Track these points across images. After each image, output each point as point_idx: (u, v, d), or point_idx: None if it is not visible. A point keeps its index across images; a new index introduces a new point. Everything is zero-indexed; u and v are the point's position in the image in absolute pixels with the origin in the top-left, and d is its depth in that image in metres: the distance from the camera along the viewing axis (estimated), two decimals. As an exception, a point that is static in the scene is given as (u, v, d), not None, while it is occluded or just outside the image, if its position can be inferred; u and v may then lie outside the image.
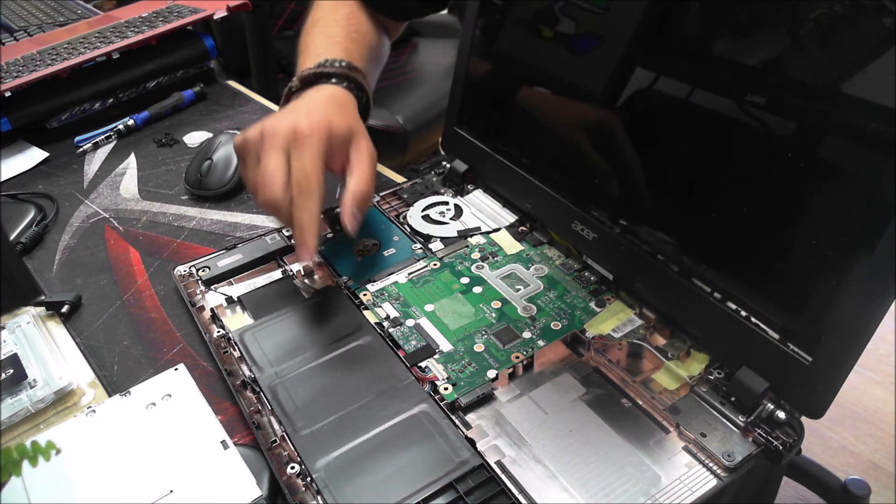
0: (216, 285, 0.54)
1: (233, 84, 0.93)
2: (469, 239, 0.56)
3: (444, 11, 1.50)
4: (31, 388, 0.46)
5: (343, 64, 0.57)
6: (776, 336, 0.39)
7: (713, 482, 0.38)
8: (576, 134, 0.52)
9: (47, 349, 0.49)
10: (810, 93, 0.37)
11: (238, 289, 0.53)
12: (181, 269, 0.55)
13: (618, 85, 0.47)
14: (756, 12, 0.39)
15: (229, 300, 0.52)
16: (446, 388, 0.43)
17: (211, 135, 0.77)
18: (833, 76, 0.35)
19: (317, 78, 0.56)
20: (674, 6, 0.43)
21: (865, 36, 0.34)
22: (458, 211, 0.60)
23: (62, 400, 0.46)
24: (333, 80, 0.56)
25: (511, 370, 0.45)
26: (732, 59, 0.41)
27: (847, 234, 0.36)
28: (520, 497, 0.37)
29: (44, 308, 0.54)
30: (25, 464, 0.32)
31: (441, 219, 0.59)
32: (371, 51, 0.66)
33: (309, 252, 0.47)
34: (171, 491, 0.39)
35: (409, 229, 0.58)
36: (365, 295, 0.51)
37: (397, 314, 0.49)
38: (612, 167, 0.50)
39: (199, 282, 0.54)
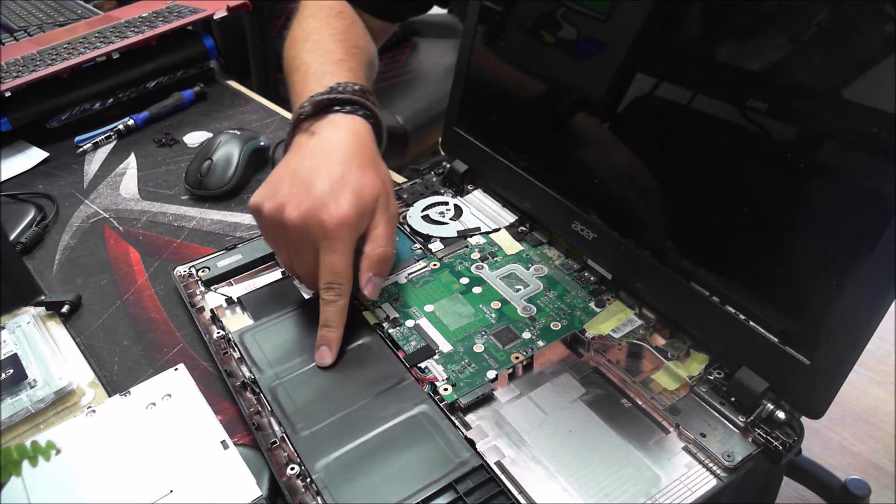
0: (216, 286, 0.54)
1: (233, 84, 0.93)
2: (469, 239, 0.56)
3: (444, 11, 1.50)
4: (31, 388, 0.46)
5: (356, 88, 0.53)
6: (776, 337, 0.39)
7: (713, 482, 0.38)
8: (576, 136, 0.52)
9: (47, 349, 0.49)
10: (811, 98, 0.37)
11: (238, 289, 0.53)
12: (181, 270, 0.55)
13: (619, 90, 0.47)
14: (758, 18, 0.39)
15: (229, 301, 0.52)
16: (446, 389, 0.43)
17: (211, 135, 0.77)
18: (834, 81, 0.36)
19: (329, 104, 0.52)
20: (676, 12, 0.43)
21: (866, 41, 0.34)
22: (458, 211, 0.60)
23: (62, 400, 0.46)
24: (347, 108, 0.52)
25: (511, 371, 0.45)
26: (734, 64, 0.41)
27: (846, 236, 0.36)
28: (519, 497, 0.37)
29: (44, 308, 0.54)
30: (25, 464, 0.32)
31: (441, 219, 0.59)
32: (370, 68, 0.64)
33: (331, 351, 0.45)
34: (171, 491, 0.39)
35: (408, 229, 0.58)
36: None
37: (397, 315, 0.49)
38: (612, 169, 0.50)
39: (199, 282, 0.54)
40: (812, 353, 0.37)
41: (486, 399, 0.43)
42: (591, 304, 0.49)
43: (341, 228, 0.44)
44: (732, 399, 0.41)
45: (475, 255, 0.55)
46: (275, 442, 0.41)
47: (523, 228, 0.57)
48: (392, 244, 0.48)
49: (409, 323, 0.49)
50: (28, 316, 0.52)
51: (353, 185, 0.46)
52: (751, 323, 0.40)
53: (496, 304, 0.50)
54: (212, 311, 0.51)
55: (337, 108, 0.52)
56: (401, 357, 0.46)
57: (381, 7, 0.69)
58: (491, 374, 0.44)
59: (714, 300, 0.42)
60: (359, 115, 0.52)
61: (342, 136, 0.50)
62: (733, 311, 0.41)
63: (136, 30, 0.85)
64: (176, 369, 0.47)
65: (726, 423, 0.41)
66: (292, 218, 0.45)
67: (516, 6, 0.54)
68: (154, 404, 0.44)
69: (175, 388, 0.45)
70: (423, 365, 0.45)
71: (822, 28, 0.36)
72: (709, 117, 0.42)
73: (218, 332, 0.49)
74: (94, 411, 0.43)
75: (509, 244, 0.56)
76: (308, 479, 0.39)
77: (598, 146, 0.51)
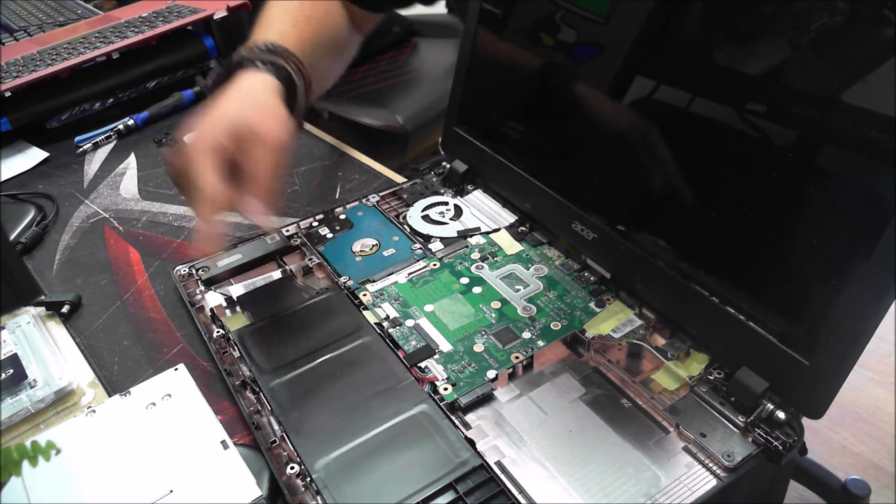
0: (216, 285, 0.54)
1: (233, 84, 0.93)
2: (469, 239, 0.56)
3: (444, 11, 1.50)
4: (31, 388, 0.46)
5: (263, 47, 0.55)
6: (776, 337, 0.39)
7: (713, 482, 0.38)
8: (575, 137, 0.52)
9: (47, 349, 0.49)
10: (810, 101, 0.37)
11: (238, 289, 0.53)
12: (181, 269, 0.55)
13: (618, 93, 0.47)
14: (757, 22, 0.39)
15: (229, 300, 0.52)
16: (446, 389, 0.43)
17: (211, 135, 0.77)
18: (833, 85, 0.36)
19: (237, 65, 0.54)
20: (675, 15, 0.43)
21: (866, 45, 0.34)
22: (458, 211, 0.60)
23: (62, 400, 0.46)
24: (247, 65, 0.54)
25: (511, 370, 0.45)
26: (733, 68, 0.41)
27: (846, 237, 0.36)
28: (519, 497, 0.37)
29: (44, 308, 0.54)
30: (25, 464, 0.32)
31: (441, 219, 0.59)
32: (321, 36, 0.63)
33: (201, 251, 0.49)
34: (171, 491, 0.39)
35: (408, 229, 0.58)
36: (365, 295, 0.51)
37: (397, 314, 0.49)
38: (612, 170, 0.50)
39: (199, 282, 0.54)
40: (812, 354, 0.37)
41: (486, 399, 0.43)
42: (591, 304, 0.49)
43: (194, 151, 0.47)
44: (732, 399, 0.41)
45: (475, 255, 0.55)
46: (275, 441, 0.41)
47: (523, 228, 0.57)
48: (266, 174, 0.47)
49: (409, 323, 0.49)
50: (28, 316, 0.52)
51: (215, 117, 0.49)
52: (751, 323, 0.40)
53: (496, 304, 0.50)
54: (211, 310, 0.51)
55: (245, 66, 0.54)
56: (401, 357, 0.46)
57: None
58: (491, 374, 0.44)
59: (714, 300, 0.42)
60: (260, 70, 0.53)
61: (229, 91, 0.52)
62: (733, 311, 0.41)
63: (136, 30, 0.85)
64: (176, 369, 0.47)
65: (726, 423, 0.41)
66: (166, 154, 0.51)
67: (516, 8, 0.54)
68: (154, 404, 0.44)
69: (175, 388, 0.45)
70: (423, 365, 0.45)
71: (820, 32, 0.36)
72: (708, 120, 0.42)
73: (218, 332, 0.49)
74: (94, 411, 0.43)
75: (509, 244, 0.56)
76: (308, 479, 0.39)
77: (597, 145, 0.51)
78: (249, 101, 0.51)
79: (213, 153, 0.47)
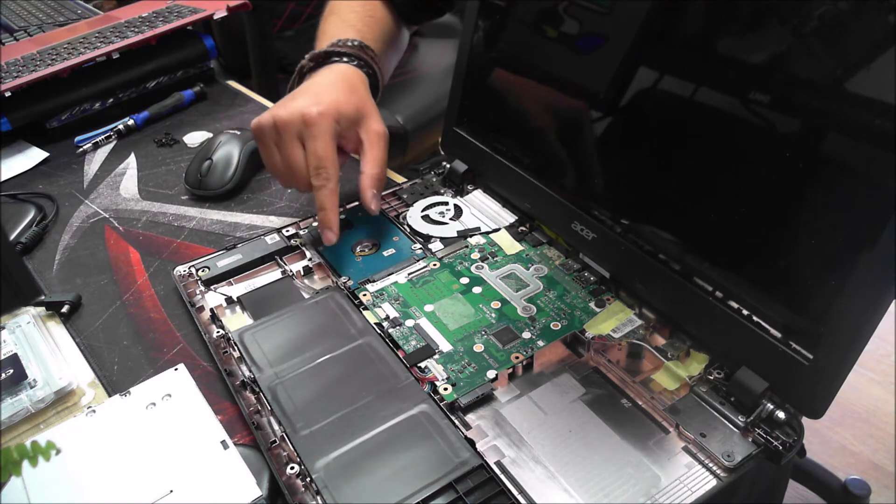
0: (216, 285, 0.54)
1: (233, 84, 0.93)
2: (469, 239, 0.56)
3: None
4: (31, 388, 0.46)
5: (354, 43, 0.61)
6: (776, 335, 0.39)
7: (713, 482, 0.38)
8: (576, 133, 0.52)
9: (47, 349, 0.49)
10: (814, 90, 0.37)
11: (238, 289, 0.53)
12: (181, 269, 0.55)
13: (621, 84, 0.47)
14: (760, 10, 0.38)
15: (229, 300, 0.52)
16: (446, 389, 0.43)
17: (211, 135, 0.77)
18: (837, 73, 0.35)
19: (327, 56, 0.60)
20: (678, 4, 0.43)
21: (869, 33, 0.34)
22: (458, 211, 0.60)
23: (62, 400, 0.46)
24: (344, 59, 0.60)
25: (511, 370, 0.45)
26: (736, 57, 0.40)
27: (847, 233, 0.36)
28: (519, 497, 0.37)
29: (44, 308, 0.54)
30: (25, 464, 0.32)
31: (441, 219, 0.59)
32: (386, 35, 0.69)
33: (332, 231, 0.52)
34: (171, 491, 0.39)
35: (408, 229, 0.58)
36: (365, 295, 0.51)
37: (397, 314, 0.49)
38: (612, 166, 0.49)
39: (199, 282, 0.54)
40: (812, 353, 0.37)
41: (486, 399, 0.43)
42: (591, 304, 0.49)
43: (321, 117, 0.51)
44: (732, 399, 0.41)
45: (475, 255, 0.55)
46: (275, 441, 0.41)
47: (523, 228, 0.57)
48: (383, 162, 0.55)
49: (409, 323, 0.49)
50: (28, 316, 0.52)
51: (334, 96, 0.54)
52: (750, 322, 0.40)
53: (496, 304, 0.50)
54: (211, 310, 0.51)
55: (335, 59, 0.60)
56: (401, 357, 0.46)
57: (404, 8, 0.73)
58: (491, 374, 0.44)
59: (714, 300, 0.42)
60: (353, 64, 0.60)
61: (332, 76, 0.58)
62: (733, 308, 0.41)
63: (136, 30, 0.85)
64: (176, 369, 0.46)
65: (726, 423, 0.41)
66: (281, 116, 0.52)
67: (517, 2, 0.54)
68: (154, 404, 0.44)
69: (175, 388, 0.45)
70: (423, 365, 0.45)
71: (824, 20, 0.35)
72: (711, 110, 0.42)
73: (218, 332, 0.49)
74: (94, 411, 0.43)
75: (509, 244, 0.56)
76: (308, 479, 0.39)
77: (598, 142, 0.50)
78: (356, 94, 0.56)
79: (334, 127, 0.52)
